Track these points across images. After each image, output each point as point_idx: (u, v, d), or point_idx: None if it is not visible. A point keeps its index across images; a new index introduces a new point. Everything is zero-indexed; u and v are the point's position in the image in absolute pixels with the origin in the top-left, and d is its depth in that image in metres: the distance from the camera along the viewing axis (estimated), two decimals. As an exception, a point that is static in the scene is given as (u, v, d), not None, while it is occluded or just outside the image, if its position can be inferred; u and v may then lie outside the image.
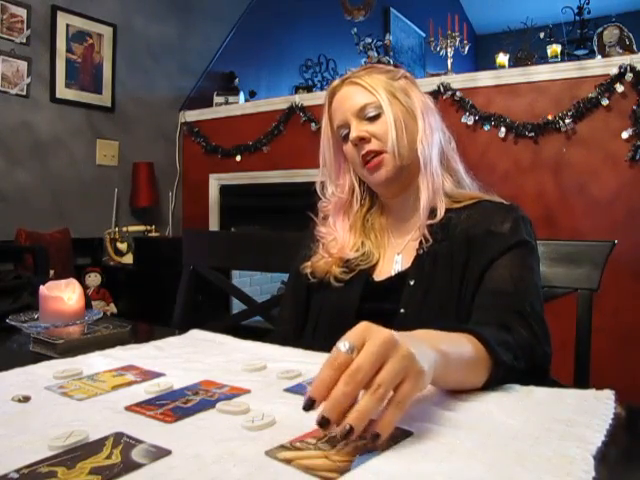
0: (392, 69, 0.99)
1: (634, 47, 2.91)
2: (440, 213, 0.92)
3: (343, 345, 0.50)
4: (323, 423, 0.47)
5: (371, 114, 0.93)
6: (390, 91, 0.94)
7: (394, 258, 0.97)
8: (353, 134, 0.93)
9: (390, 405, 0.49)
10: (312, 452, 0.47)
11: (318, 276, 0.99)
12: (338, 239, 1.00)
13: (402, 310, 0.90)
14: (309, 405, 0.48)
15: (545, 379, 0.79)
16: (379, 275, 0.97)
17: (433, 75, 3.00)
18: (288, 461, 0.46)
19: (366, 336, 0.50)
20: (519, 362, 0.70)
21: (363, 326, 0.52)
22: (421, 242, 0.93)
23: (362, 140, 0.92)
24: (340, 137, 0.98)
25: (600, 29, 3.03)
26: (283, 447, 0.48)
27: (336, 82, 0.99)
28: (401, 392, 0.49)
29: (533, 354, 0.76)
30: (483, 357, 0.66)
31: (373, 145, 0.92)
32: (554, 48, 3.68)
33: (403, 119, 0.93)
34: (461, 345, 0.64)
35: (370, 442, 0.48)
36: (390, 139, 0.91)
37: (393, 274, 0.95)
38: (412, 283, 0.91)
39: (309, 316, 1.02)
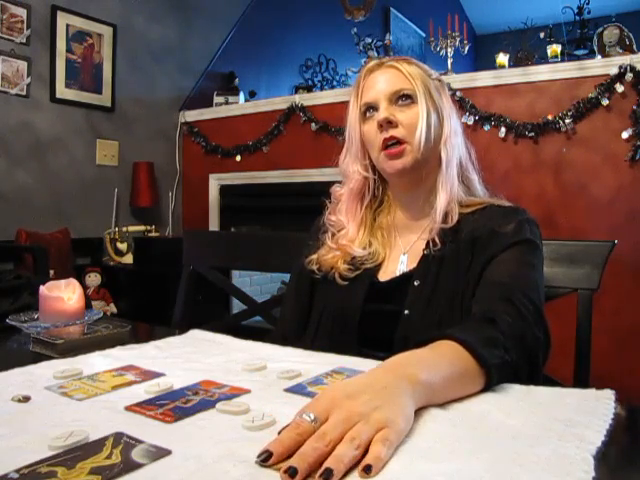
0: (427, 67, 0.99)
1: (634, 47, 2.91)
2: (453, 218, 0.92)
3: (307, 415, 0.49)
4: (292, 473, 0.43)
5: (403, 100, 0.93)
6: (426, 85, 0.94)
7: (399, 258, 0.97)
8: (381, 115, 0.92)
9: (373, 443, 0.46)
10: None
11: (324, 270, 0.98)
12: (348, 232, 1.00)
13: (406, 311, 0.89)
14: (266, 457, 0.45)
15: (537, 366, 0.77)
16: (384, 275, 0.96)
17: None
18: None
19: (330, 410, 0.50)
20: (510, 354, 0.69)
21: (328, 398, 0.51)
22: (428, 243, 0.93)
23: (389, 123, 0.91)
24: (363, 115, 0.96)
25: (600, 29, 3.03)
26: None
27: (372, 63, 0.98)
28: (382, 434, 0.47)
29: (523, 340, 0.74)
30: (472, 367, 0.64)
31: (398, 132, 0.91)
32: (554, 48, 3.68)
33: (433, 116, 0.93)
34: (446, 362, 0.63)
35: (364, 475, 0.44)
36: (419, 129, 0.91)
37: (398, 274, 0.95)
38: (417, 284, 0.91)
39: (311, 316, 1.01)
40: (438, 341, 0.68)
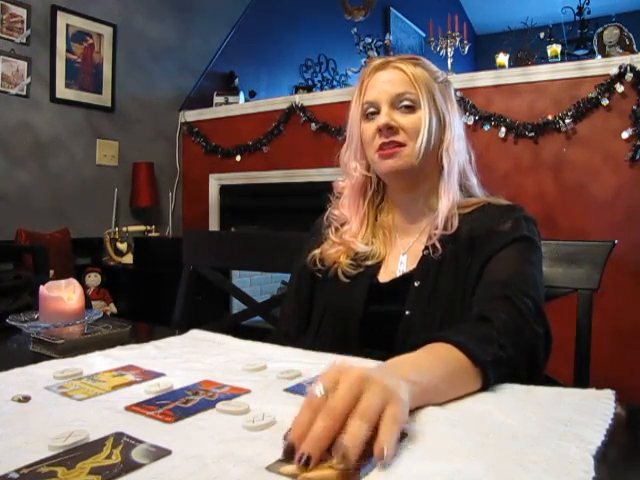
0: (435, 69, 0.97)
1: (634, 47, 2.91)
2: (454, 225, 0.91)
3: (318, 390, 0.49)
4: (305, 462, 0.44)
5: (406, 105, 0.91)
6: (430, 90, 0.93)
7: (399, 258, 0.97)
8: (382, 120, 0.91)
9: (382, 424, 0.47)
10: None
11: (327, 264, 0.98)
12: (351, 227, 1.00)
13: (407, 312, 0.89)
14: (290, 450, 0.46)
15: (537, 361, 0.77)
16: (384, 275, 0.96)
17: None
18: (294, 476, 0.44)
19: (339, 378, 0.50)
20: (505, 350, 0.69)
21: (335, 368, 0.52)
22: (427, 248, 0.92)
23: (390, 129, 0.91)
24: (364, 114, 0.95)
25: (600, 29, 3.03)
26: (283, 460, 0.46)
27: (379, 61, 0.96)
28: (389, 412, 0.48)
29: (520, 335, 0.74)
30: (466, 365, 0.64)
31: (399, 138, 0.91)
32: (554, 48, 3.68)
33: (435, 122, 0.92)
34: (439, 363, 0.63)
35: (378, 460, 0.45)
36: (420, 137, 0.90)
37: (398, 275, 0.95)
38: (417, 284, 0.91)
39: (312, 316, 1.01)
40: (432, 343, 0.68)
